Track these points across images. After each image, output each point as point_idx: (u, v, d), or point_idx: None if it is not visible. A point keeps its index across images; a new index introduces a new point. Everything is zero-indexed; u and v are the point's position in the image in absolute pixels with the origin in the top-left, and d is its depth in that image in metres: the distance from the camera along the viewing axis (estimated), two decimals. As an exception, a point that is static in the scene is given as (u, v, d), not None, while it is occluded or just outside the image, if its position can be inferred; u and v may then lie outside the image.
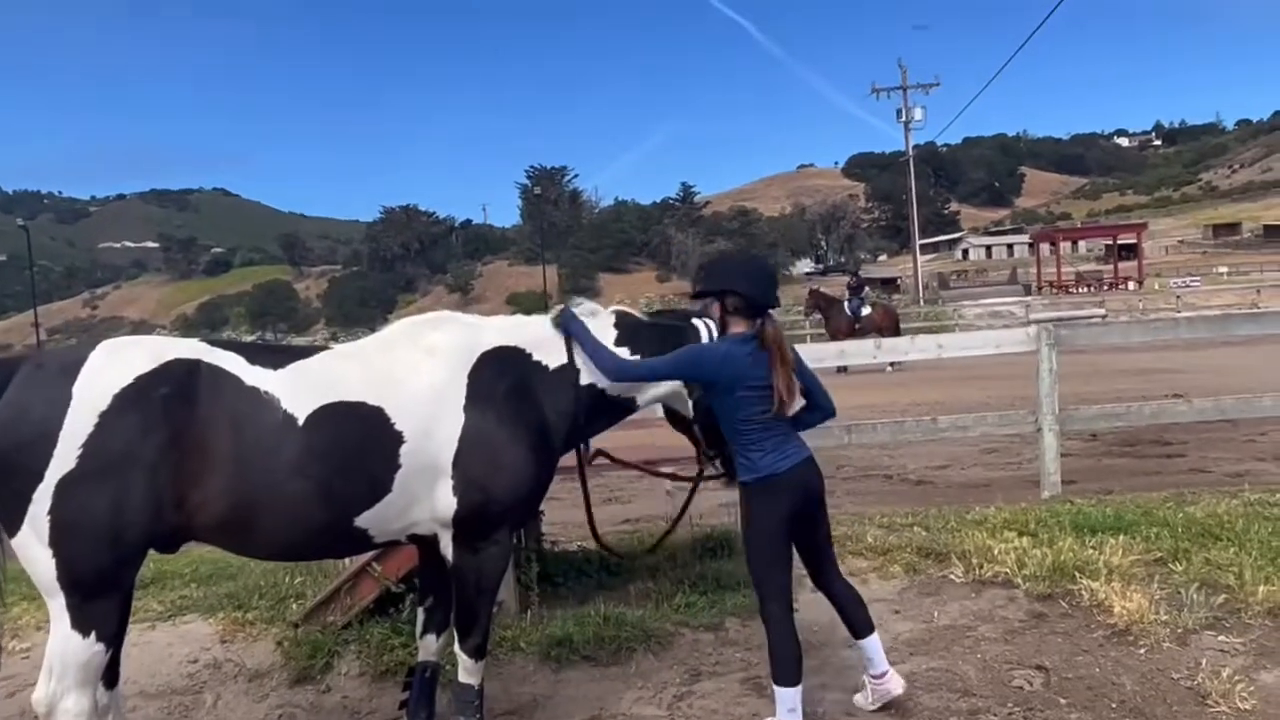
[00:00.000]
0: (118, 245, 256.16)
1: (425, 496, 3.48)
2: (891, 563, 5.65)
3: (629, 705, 4.22)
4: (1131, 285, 57.67)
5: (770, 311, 3.86)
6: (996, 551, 5.46)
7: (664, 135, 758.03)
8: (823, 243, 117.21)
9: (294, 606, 5.18)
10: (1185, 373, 17.40)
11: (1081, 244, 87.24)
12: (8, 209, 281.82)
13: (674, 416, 4.12)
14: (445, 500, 3.49)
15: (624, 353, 3.86)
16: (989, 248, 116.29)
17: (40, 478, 2.93)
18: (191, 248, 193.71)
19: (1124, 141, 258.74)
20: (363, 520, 3.39)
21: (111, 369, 3.07)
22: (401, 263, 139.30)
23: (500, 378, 3.62)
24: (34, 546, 2.97)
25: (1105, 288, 57.24)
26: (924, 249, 70.25)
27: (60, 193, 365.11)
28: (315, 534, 3.36)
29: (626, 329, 3.95)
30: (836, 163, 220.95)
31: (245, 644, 4.99)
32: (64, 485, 2.94)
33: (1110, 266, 67.49)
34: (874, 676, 3.95)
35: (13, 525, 2.99)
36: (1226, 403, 8.07)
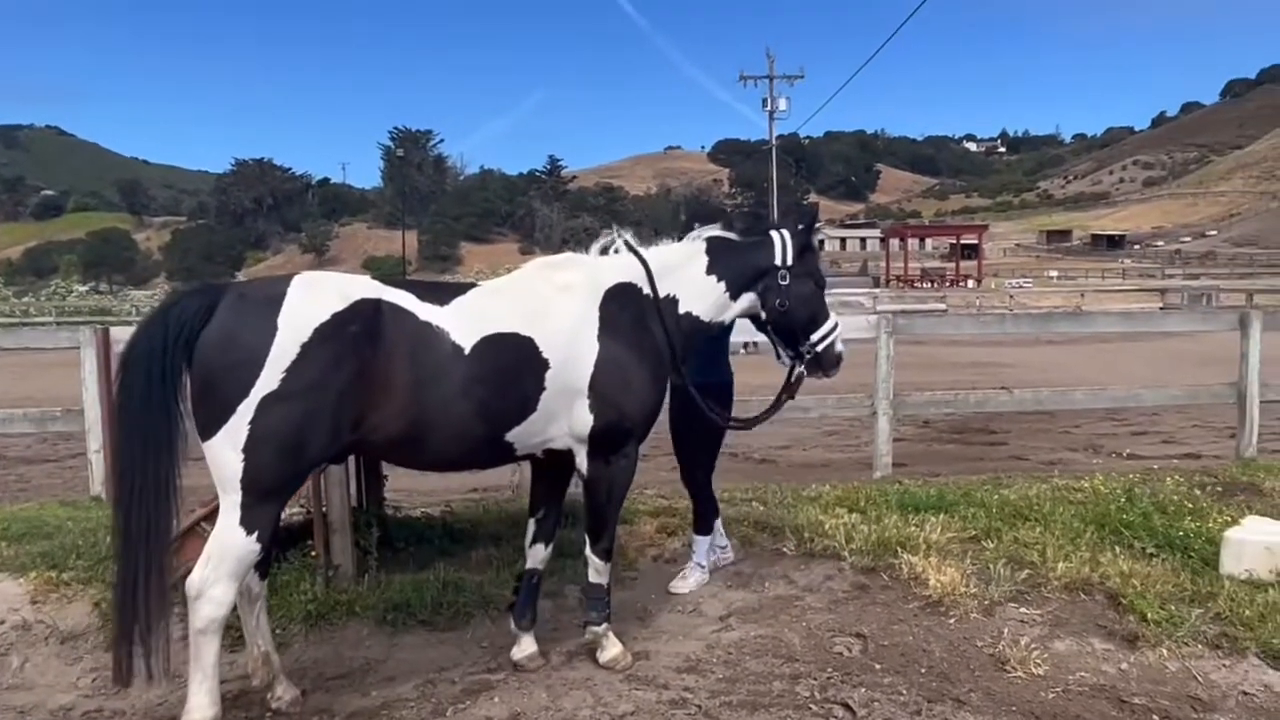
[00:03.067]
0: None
1: (564, 415, 3.95)
2: (729, 535, 5.82)
3: (464, 670, 4.23)
4: (971, 283, 60.74)
5: None
6: (827, 527, 5.71)
7: (532, 105, 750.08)
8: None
9: (113, 567, 4.94)
10: (1015, 367, 18.56)
11: (929, 241, 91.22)
12: None
13: (755, 321, 4.56)
14: (583, 418, 3.96)
15: (712, 280, 4.34)
16: (843, 240, 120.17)
17: (246, 393, 3.29)
18: (18, 188, 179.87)
19: (972, 146, 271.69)
20: (511, 435, 3.85)
21: (310, 305, 3.42)
22: (253, 218, 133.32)
23: (623, 310, 4.10)
24: (225, 450, 3.32)
25: (947, 284, 60.09)
26: (782, 237, 71.72)
27: None
28: (472, 447, 3.82)
29: (716, 254, 4.39)
30: (703, 147, 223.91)
31: (59, 605, 4.74)
32: (266, 401, 3.29)
33: (953, 264, 70.99)
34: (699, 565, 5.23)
35: (210, 430, 3.33)
36: (1044, 394, 8.65)
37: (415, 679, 4.14)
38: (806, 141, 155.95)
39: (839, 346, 4.55)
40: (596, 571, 4.23)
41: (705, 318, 4.35)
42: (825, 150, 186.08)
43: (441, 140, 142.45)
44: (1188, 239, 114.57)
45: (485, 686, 4.06)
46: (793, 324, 4.44)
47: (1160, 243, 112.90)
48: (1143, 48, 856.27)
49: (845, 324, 4.82)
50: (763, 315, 4.45)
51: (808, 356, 4.50)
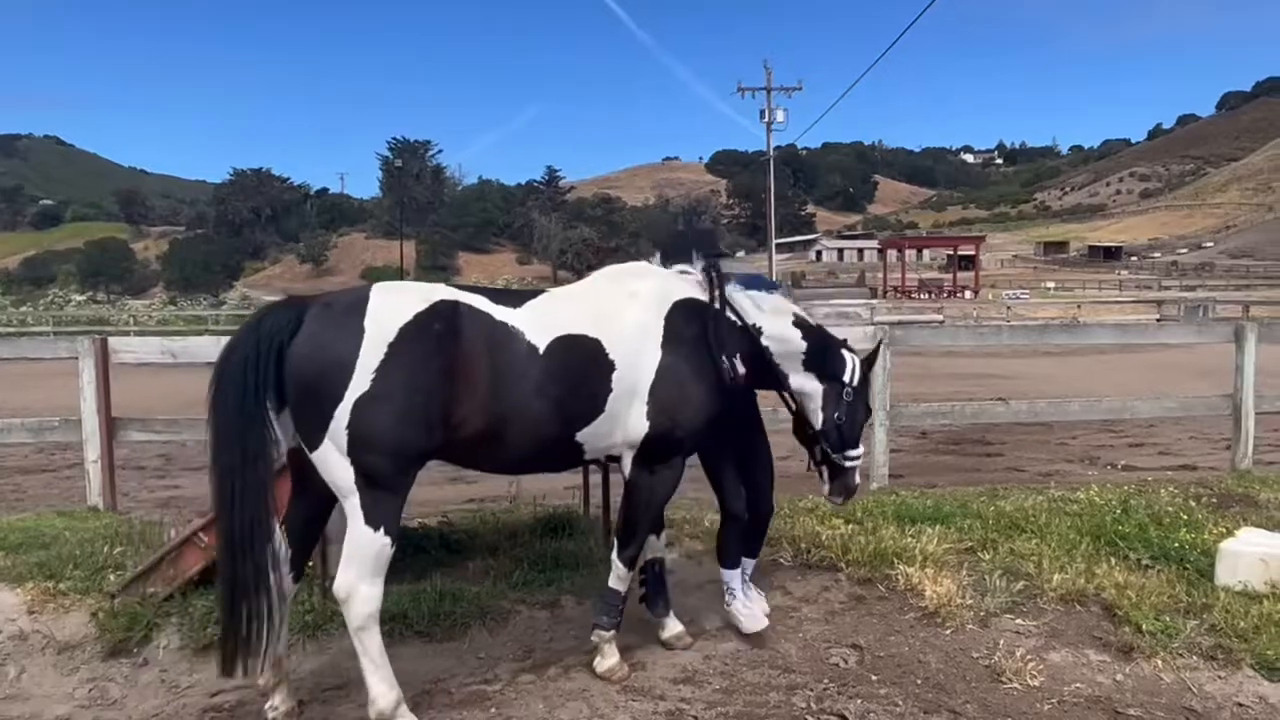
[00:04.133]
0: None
1: (624, 418, 4.03)
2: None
3: (461, 680, 4.23)
4: (968, 294, 60.89)
5: None
6: (824, 537, 5.72)
7: (530, 116, 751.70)
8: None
9: (111, 577, 4.95)
10: (1012, 379, 18.57)
11: (926, 252, 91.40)
12: None
13: (800, 423, 4.62)
14: (639, 423, 4.05)
15: (797, 334, 4.39)
16: (841, 251, 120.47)
17: (341, 397, 3.44)
18: (17, 197, 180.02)
19: (969, 158, 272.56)
20: (581, 435, 3.99)
21: (393, 308, 3.58)
22: (251, 228, 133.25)
23: (689, 323, 4.19)
24: (333, 456, 3.49)
25: (945, 295, 60.21)
26: (780, 248, 72.13)
27: None
28: (546, 446, 3.95)
29: (808, 332, 4.46)
30: (701, 158, 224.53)
31: (56, 615, 4.73)
32: (360, 404, 3.44)
33: (950, 275, 71.18)
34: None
35: (315, 439, 3.50)
36: (1040, 405, 8.67)
37: (411, 690, 4.12)
38: (804, 152, 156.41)
39: (856, 478, 4.68)
40: (617, 578, 4.26)
41: (776, 357, 4.39)
42: (823, 161, 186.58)
43: (440, 151, 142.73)
44: (1184, 251, 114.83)
45: (481, 697, 4.06)
46: (843, 438, 4.54)
47: (1157, 254, 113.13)
48: (1139, 60, 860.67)
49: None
50: (819, 421, 4.48)
51: (837, 463, 4.57)
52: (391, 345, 3.50)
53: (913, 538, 5.70)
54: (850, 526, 5.98)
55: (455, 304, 3.73)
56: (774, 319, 4.40)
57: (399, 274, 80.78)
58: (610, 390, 3.96)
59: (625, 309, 4.10)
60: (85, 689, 4.21)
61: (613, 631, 4.26)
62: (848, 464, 4.59)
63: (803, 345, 4.43)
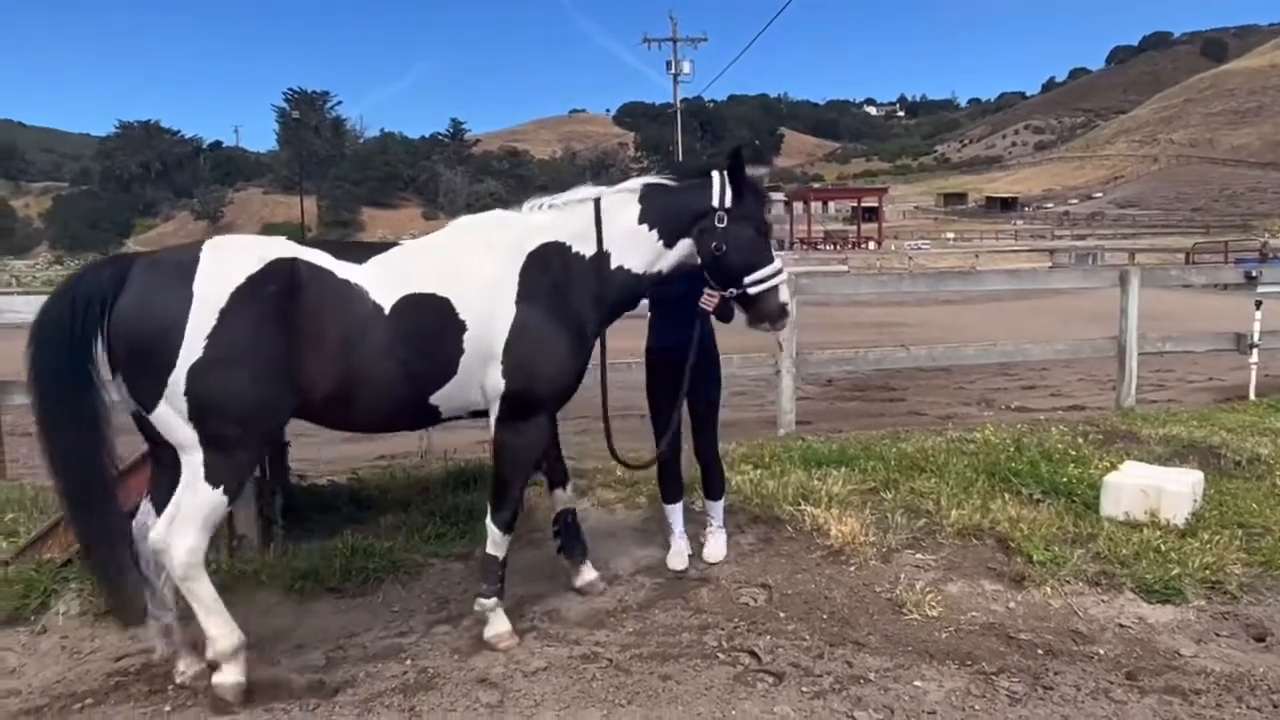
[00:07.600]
0: None
1: (479, 378, 3.90)
2: (638, 494, 5.92)
3: (375, 635, 4.22)
4: (872, 245, 62.06)
5: None
6: (734, 483, 5.83)
7: (433, 67, 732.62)
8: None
9: (3, 544, 4.78)
10: (914, 326, 19.11)
11: (831, 205, 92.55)
12: None
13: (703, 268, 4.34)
14: (495, 382, 3.91)
15: (644, 229, 4.15)
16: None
17: (173, 365, 3.30)
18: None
19: (872, 110, 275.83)
20: (435, 398, 3.87)
21: (224, 269, 3.42)
22: (140, 183, 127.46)
23: (545, 274, 3.98)
24: (172, 418, 3.37)
25: (850, 246, 61.25)
26: (688, 201, 72.03)
27: None
28: (400, 409, 3.86)
29: (649, 201, 4.20)
30: (608, 110, 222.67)
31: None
32: (194, 371, 3.31)
33: (855, 227, 72.43)
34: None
35: (150, 402, 3.37)
36: (938, 351, 8.96)
37: (325, 645, 4.11)
38: (711, 105, 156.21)
39: (783, 296, 4.28)
40: (493, 543, 4.09)
41: (639, 270, 4.14)
42: (729, 114, 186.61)
43: (339, 102, 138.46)
44: (1075, 201, 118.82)
45: (396, 650, 4.06)
46: (728, 269, 4.16)
47: (1050, 205, 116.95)
48: (1034, 14, 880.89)
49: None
50: (698, 260, 4.19)
51: (735, 294, 4.22)
52: (223, 310, 3.35)
53: (819, 480, 5.86)
54: (759, 471, 6.12)
55: (293, 262, 3.57)
56: (620, 235, 4.13)
57: (300, 230, 78.50)
58: (462, 351, 3.80)
59: (478, 265, 3.90)
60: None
61: (495, 599, 4.07)
62: (748, 290, 4.20)
63: (654, 235, 4.14)
